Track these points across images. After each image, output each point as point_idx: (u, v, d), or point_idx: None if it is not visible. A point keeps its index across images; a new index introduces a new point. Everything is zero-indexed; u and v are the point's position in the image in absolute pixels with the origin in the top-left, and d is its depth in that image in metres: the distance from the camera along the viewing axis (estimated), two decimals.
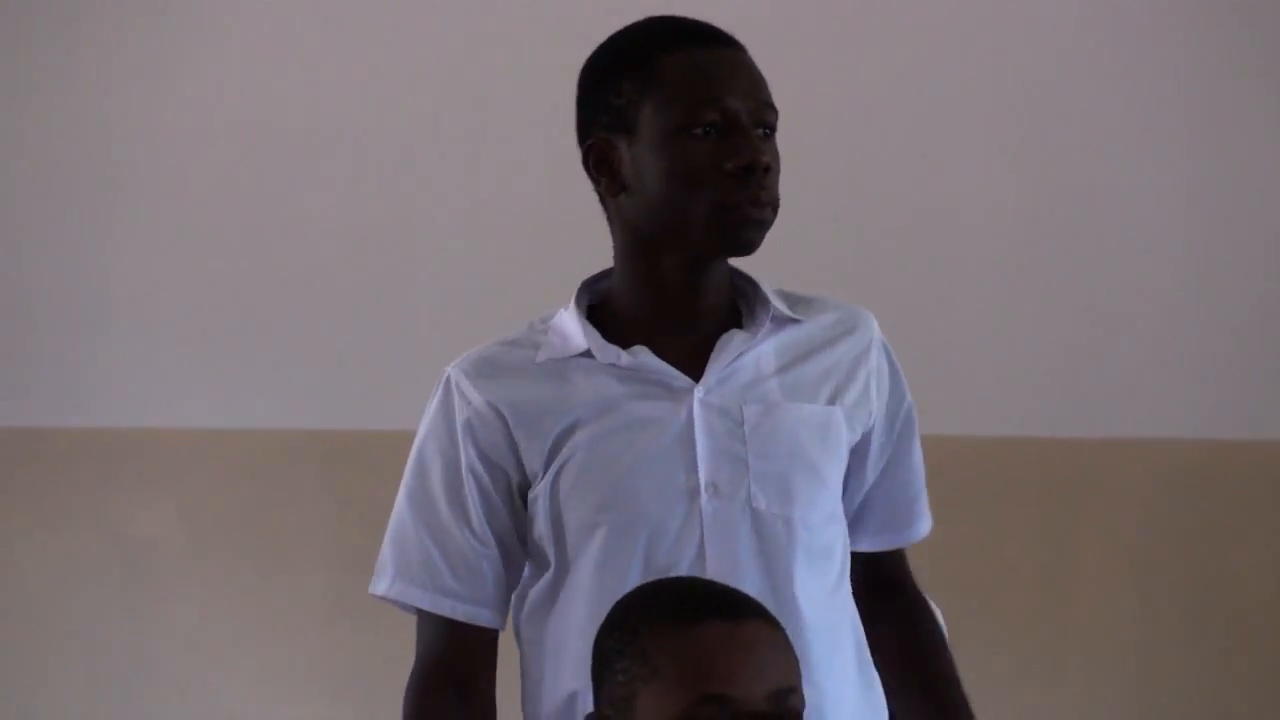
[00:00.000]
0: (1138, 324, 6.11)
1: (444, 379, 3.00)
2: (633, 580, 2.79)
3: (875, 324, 3.03)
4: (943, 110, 6.13)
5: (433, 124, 6.20)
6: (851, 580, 3.03)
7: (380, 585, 3.02)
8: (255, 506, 6.17)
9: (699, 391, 2.89)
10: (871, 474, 3.04)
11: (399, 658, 6.16)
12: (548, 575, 2.93)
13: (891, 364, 3.04)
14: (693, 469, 2.86)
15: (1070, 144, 6.17)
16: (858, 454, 3.01)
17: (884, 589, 3.10)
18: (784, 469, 2.90)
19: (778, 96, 2.91)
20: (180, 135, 6.19)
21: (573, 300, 2.98)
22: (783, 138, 2.92)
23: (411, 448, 3.04)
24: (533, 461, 2.90)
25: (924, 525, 3.12)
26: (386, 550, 3.01)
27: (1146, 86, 6.15)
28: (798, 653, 2.67)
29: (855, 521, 3.06)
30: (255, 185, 6.19)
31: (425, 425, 3.01)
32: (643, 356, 2.89)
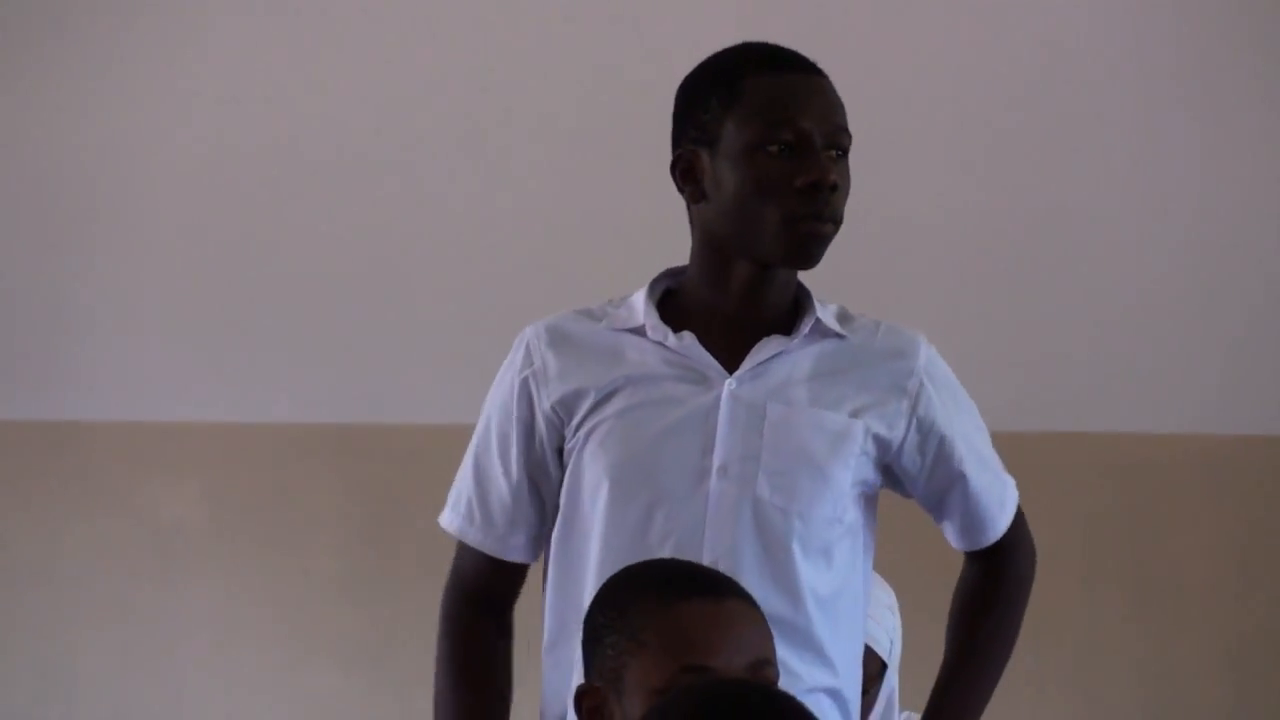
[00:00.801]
0: (1084, 325, 6.10)
1: (521, 338, 3.04)
2: (631, 541, 2.84)
3: (924, 352, 3.05)
4: (947, 110, 6.11)
5: (445, 122, 6.16)
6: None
7: (443, 517, 3.09)
8: (272, 493, 6.18)
9: (731, 383, 2.92)
10: (922, 490, 3.06)
11: (404, 635, 6.20)
12: (559, 527, 2.99)
13: (936, 393, 3.05)
14: (709, 451, 2.90)
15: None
16: (896, 472, 3.04)
17: (979, 561, 3.14)
18: (792, 466, 2.91)
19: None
20: (203, 140, 6.17)
21: (647, 286, 3.01)
22: None
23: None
24: (574, 420, 2.95)
25: (997, 529, 3.12)
26: (454, 486, 3.10)
27: (1147, 82, 6.11)
28: (803, 629, 2.79)
29: (942, 526, 3.12)
30: (275, 192, 6.16)
31: (496, 380, 3.06)
32: (688, 341, 2.92)
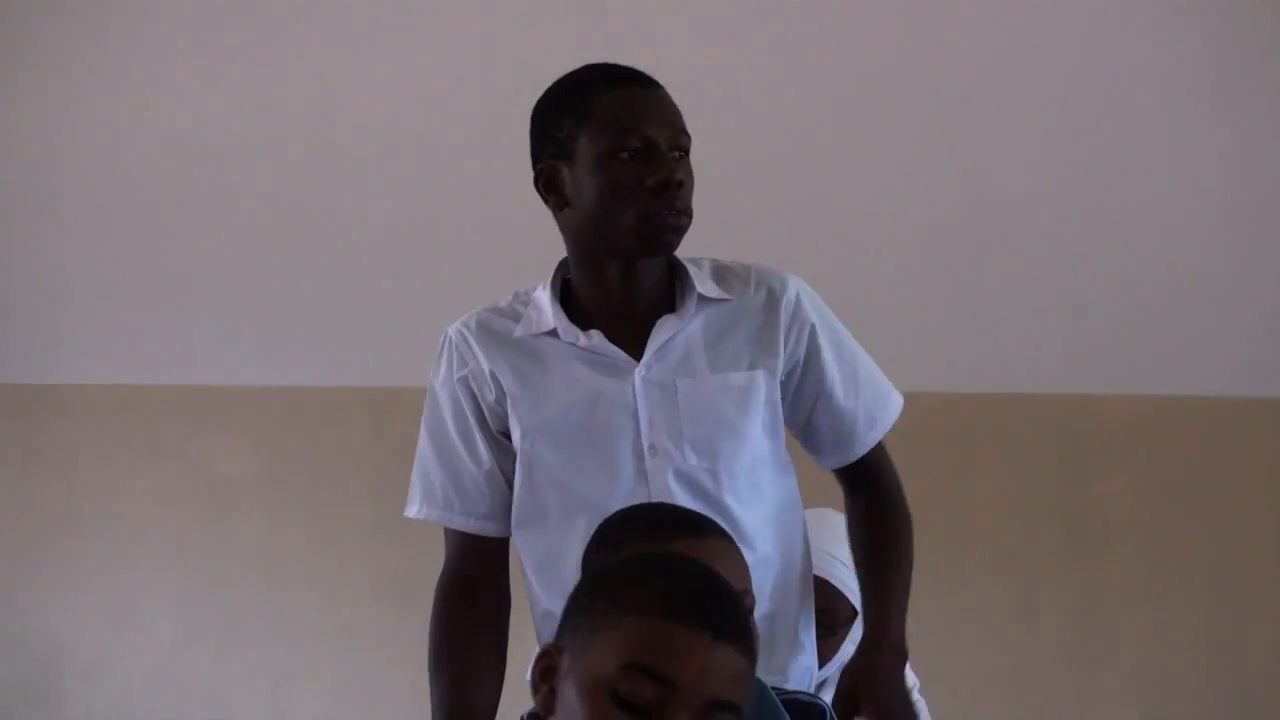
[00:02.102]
0: (1021, 290, 6.07)
1: (446, 338, 3.03)
2: (588, 522, 2.75)
3: (794, 285, 3.01)
4: (984, 101, 6.03)
5: (473, 117, 6.10)
6: (839, 481, 3.09)
7: (411, 509, 3.11)
8: (312, 448, 6.20)
9: (640, 370, 2.91)
10: (790, 406, 3.01)
11: (428, 568, 6.20)
12: (525, 510, 2.97)
13: (807, 320, 3.00)
14: (639, 434, 2.89)
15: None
16: (788, 398, 3.00)
17: (854, 490, 3.07)
18: (710, 431, 2.91)
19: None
20: (249, 135, 6.17)
21: (549, 281, 3.01)
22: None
23: (427, 394, 3.05)
24: (519, 419, 2.93)
25: (864, 443, 3.05)
26: (414, 480, 3.09)
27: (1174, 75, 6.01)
28: (751, 549, 2.76)
29: (810, 448, 3.06)
30: (317, 180, 6.16)
31: (436, 375, 3.03)
32: (596, 340, 2.92)
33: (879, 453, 3.07)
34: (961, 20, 6.06)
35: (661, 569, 2.04)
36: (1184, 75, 6.02)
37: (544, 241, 5.70)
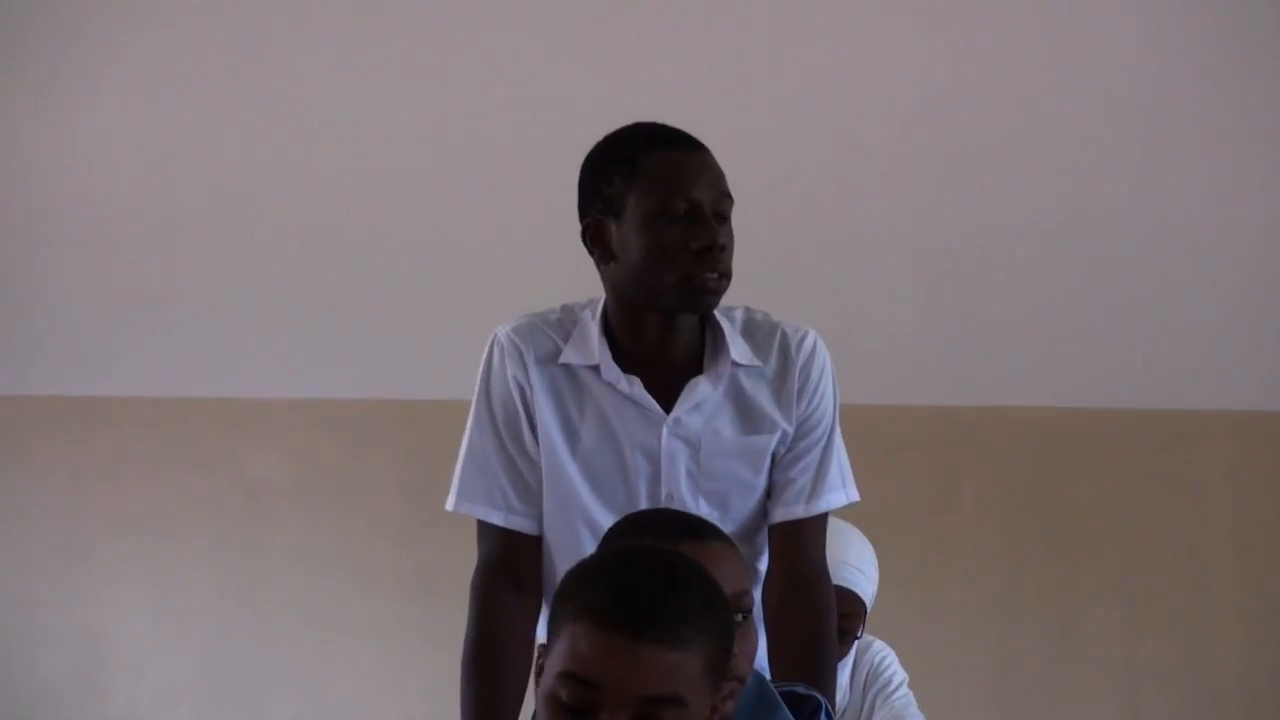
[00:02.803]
0: (1002, 313, 6.05)
1: (496, 342, 2.97)
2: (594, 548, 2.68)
3: (818, 353, 2.96)
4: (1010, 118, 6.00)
5: (495, 144, 6.09)
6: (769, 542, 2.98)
7: (452, 502, 3.01)
8: (341, 456, 6.19)
9: (669, 424, 2.89)
10: (785, 454, 2.97)
11: (449, 567, 6.19)
12: (550, 513, 2.94)
13: (812, 383, 2.96)
14: (658, 480, 2.87)
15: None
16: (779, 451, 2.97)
17: (775, 556, 2.98)
18: (725, 488, 2.90)
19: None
20: (285, 165, 6.14)
21: (598, 312, 2.94)
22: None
23: (475, 392, 3.00)
24: (549, 440, 2.91)
25: (833, 500, 2.99)
26: (461, 475, 3.00)
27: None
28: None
29: (782, 493, 2.99)
30: (350, 210, 6.15)
31: (485, 376, 2.97)
32: (636, 388, 2.88)
33: (814, 527, 2.99)
34: (953, 39, 6.06)
35: (603, 574, 1.97)
36: (1165, 97, 6.03)
37: (560, 263, 5.71)
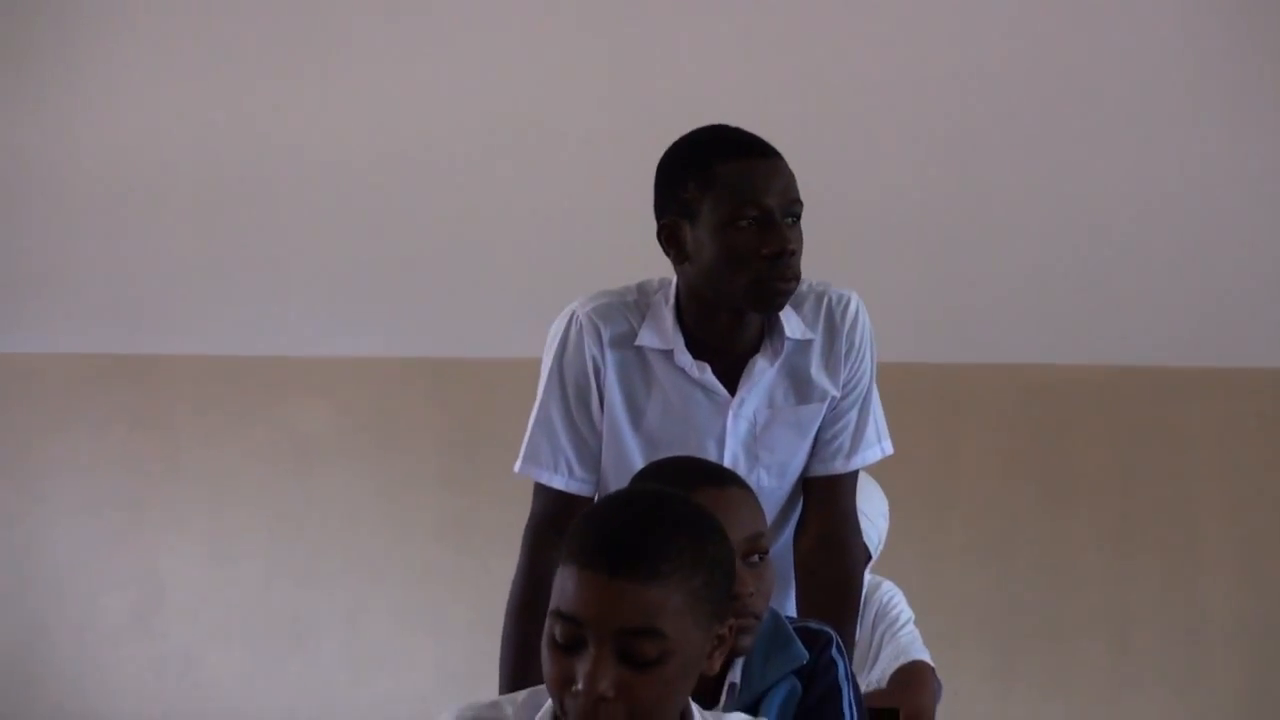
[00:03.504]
0: (1001, 275, 6.04)
1: (575, 319, 2.93)
2: None
3: (860, 319, 2.94)
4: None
5: (519, 119, 6.05)
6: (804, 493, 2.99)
7: (519, 466, 2.96)
8: (385, 410, 6.20)
9: (734, 405, 2.88)
10: (829, 414, 2.94)
11: (484, 515, 6.17)
12: (608, 483, 2.93)
13: (855, 348, 2.93)
14: (720, 456, 2.86)
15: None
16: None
17: (809, 508, 2.98)
18: (782, 459, 2.90)
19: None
20: (330, 143, 6.13)
21: (671, 297, 2.91)
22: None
23: (546, 365, 2.95)
24: (612, 412, 2.90)
25: (869, 456, 2.98)
26: (527, 441, 2.96)
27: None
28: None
29: (821, 450, 2.97)
30: (384, 184, 6.14)
31: (560, 349, 2.94)
32: (706, 374, 2.87)
33: (849, 483, 3.00)
34: (951, 15, 6.00)
35: (593, 518, 1.98)
36: (1156, 72, 5.95)
37: (587, 234, 5.75)
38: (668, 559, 1.91)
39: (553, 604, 1.91)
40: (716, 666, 1.98)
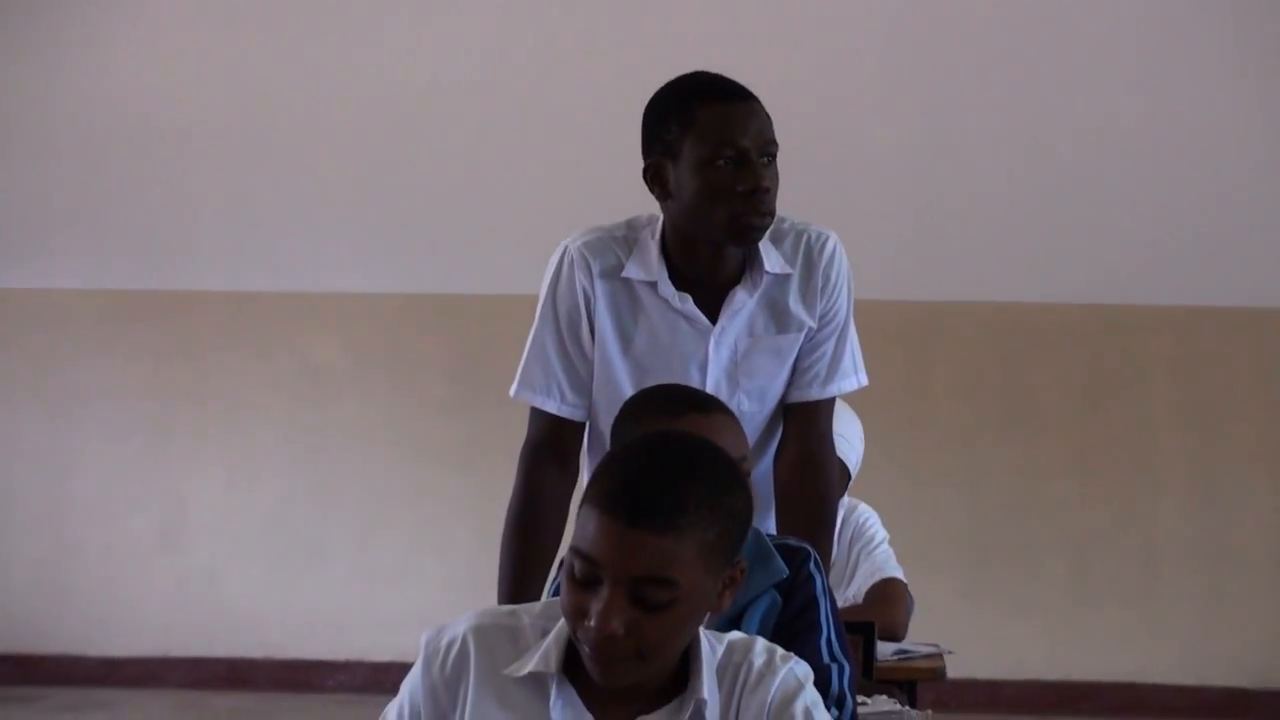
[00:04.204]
0: (970, 218, 6.04)
1: (567, 253, 2.92)
2: None
3: (837, 256, 2.92)
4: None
5: (521, 72, 6.08)
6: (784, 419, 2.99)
7: (514, 390, 2.96)
8: (395, 342, 6.22)
9: (715, 333, 2.88)
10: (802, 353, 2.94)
11: (486, 440, 6.17)
12: (599, 405, 2.92)
13: (831, 283, 2.92)
14: (704, 382, 2.86)
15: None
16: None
17: (789, 432, 2.97)
18: (761, 384, 2.90)
19: None
20: (345, 95, 6.15)
21: (657, 233, 2.91)
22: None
23: (542, 296, 2.94)
24: (605, 344, 2.90)
25: (845, 385, 2.96)
26: (522, 367, 2.96)
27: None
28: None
29: (798, 377, 2.95)
30: (403, 132, 6.15)
31: (553, 282, 2.93)
32: (687, 304, 2.87)
33: (826, 409, 2.99)
34: None
35: (619, 464, 1.94)
36: (1114, 24, 6.00)
37: (587, 177, 5.74)
38: (685, 512, 1.89)
39: (574, 540, 1.89)
40: (726, 605, 1.97)
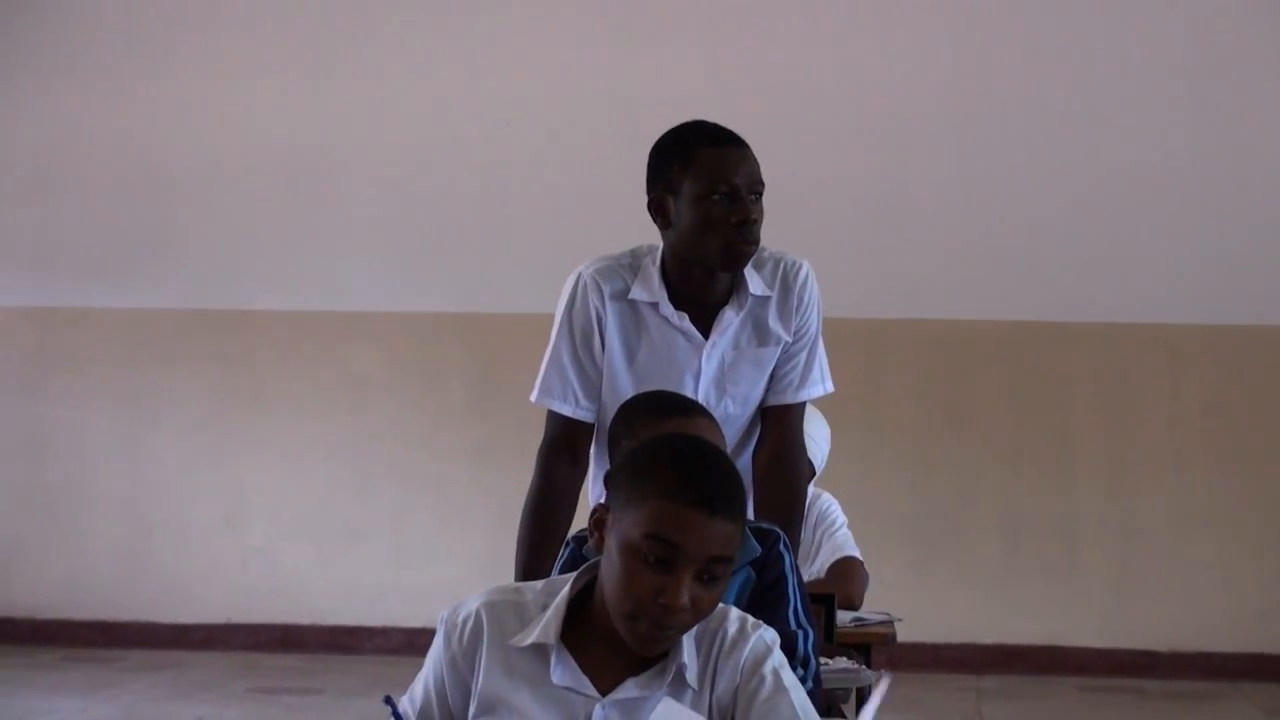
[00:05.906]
0: (920, 239, 5.98)
1: (581, 278, 2.92)
2: None
3: (809, 280, 2.94)
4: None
5: (538, 108, 6.02)
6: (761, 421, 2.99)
7: (535, 396, 2.96)
8: (424, 355, 6.15)
9: (707, 347, 2.89)
10: (778, 363, 2.95)
11: (504, 438, 6.12)
12: (608, 409, 2.90)
13: (809, 310, 2.93)
14: (696, 390, 2.88)
15: None
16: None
17: (765, 432, 2.98)
18: (745, 390, 2.92)
19: None
20: (383, 133, 6.11)
21: (658, 259, 2.91)
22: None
23: (558, 315, 2.95)
24: (613, 358, 2.91)
25: (812, 393, 2.97)
26: (541, 375, 2.96)
27: None
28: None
29: (773, 384, 2.96)
30: (427, 169, 6.11)
31: (570, 303, 2.93)
32: (684, 322, 2.89)
33: (797, 412, 2.99)
34: (889, 28, 5.99)
35: (678, 457, 1.96)
36: (1050, 68, 5.94)
37: (593, 215, 5.71)
38: (738, 500, 1.95)
39: (649, 529, 1.90)
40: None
